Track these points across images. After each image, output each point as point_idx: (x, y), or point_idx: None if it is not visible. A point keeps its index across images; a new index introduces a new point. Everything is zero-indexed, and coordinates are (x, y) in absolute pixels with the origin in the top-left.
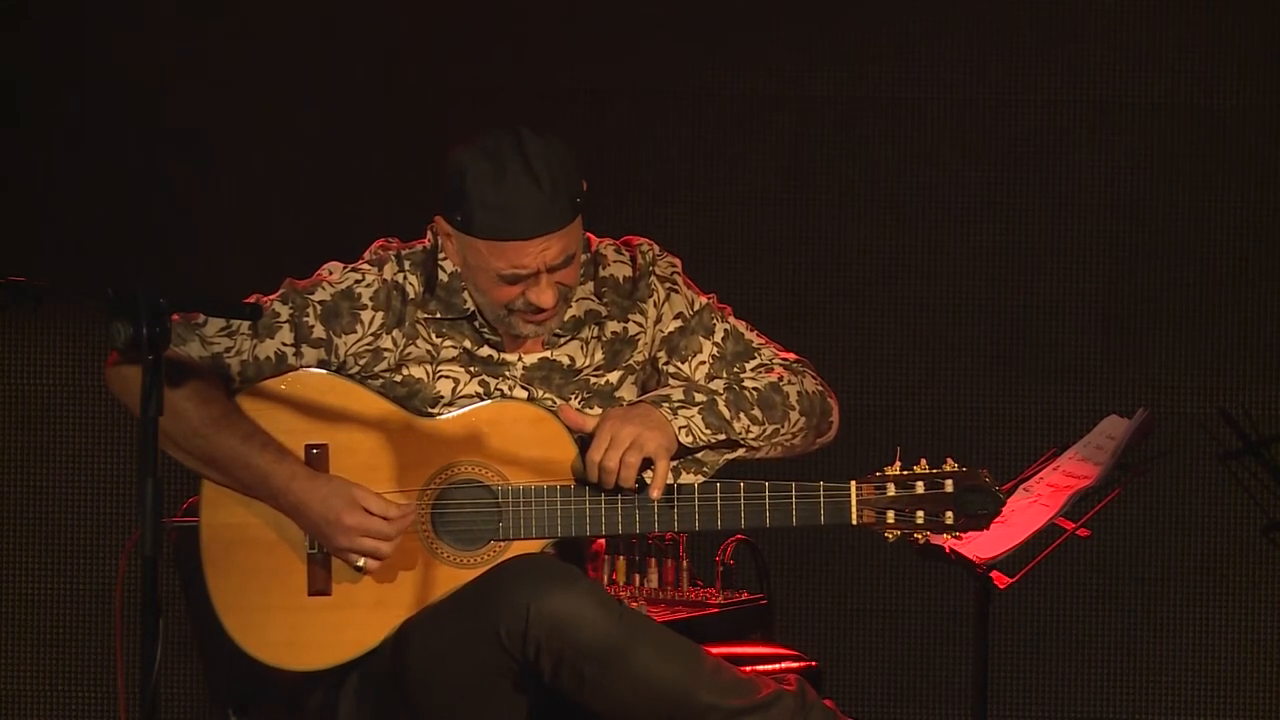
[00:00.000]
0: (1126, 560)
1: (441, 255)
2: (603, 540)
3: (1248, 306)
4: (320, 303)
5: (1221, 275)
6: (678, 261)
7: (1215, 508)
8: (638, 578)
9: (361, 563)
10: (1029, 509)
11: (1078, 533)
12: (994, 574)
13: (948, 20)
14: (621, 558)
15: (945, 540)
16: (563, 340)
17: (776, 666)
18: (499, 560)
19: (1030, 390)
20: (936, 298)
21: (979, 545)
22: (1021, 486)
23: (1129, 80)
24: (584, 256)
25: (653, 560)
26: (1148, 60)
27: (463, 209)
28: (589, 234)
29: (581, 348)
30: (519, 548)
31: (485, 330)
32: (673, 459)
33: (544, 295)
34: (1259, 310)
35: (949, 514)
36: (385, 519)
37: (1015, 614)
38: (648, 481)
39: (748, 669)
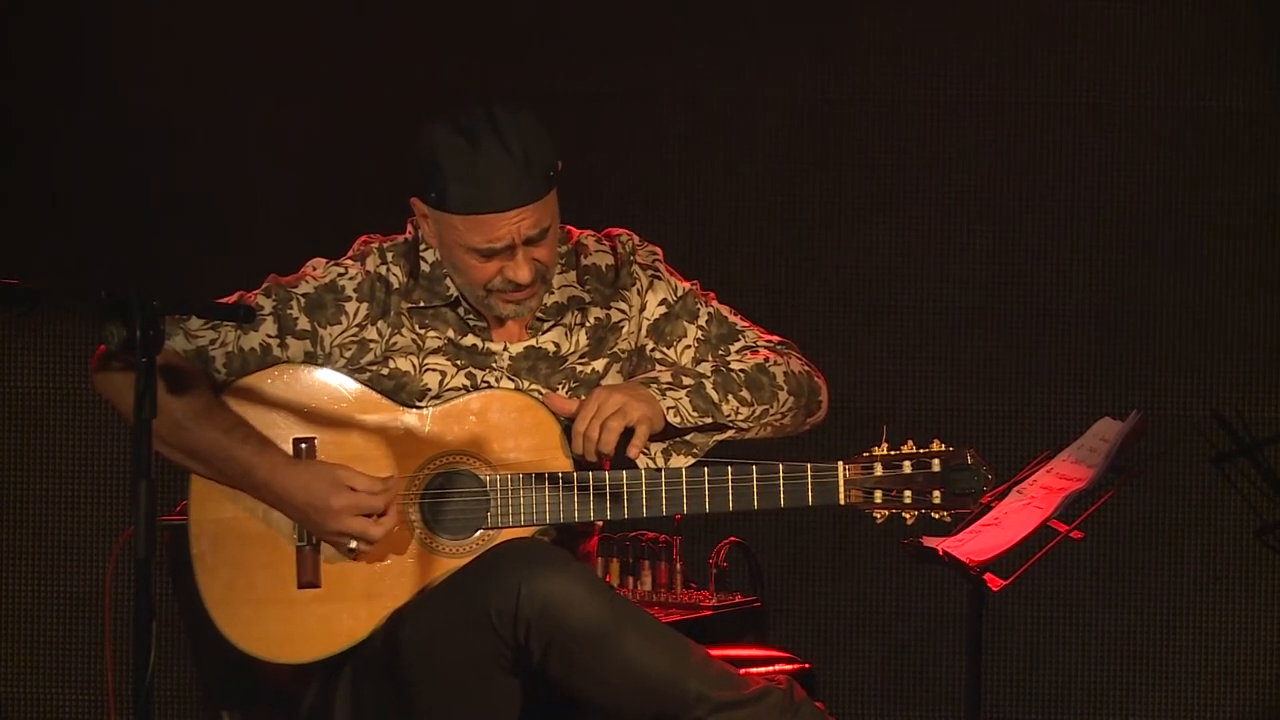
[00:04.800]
0: (1120, 563)
1: (423, 246)
2: (595, 542)
3: (1241, 309)
4: (304, 295)
5: (1215, 277)
6: (658, 250)
7: (1209, 510)
8: (631, 580)
9: (354, 545)
10: (1022, 511)
11: (1071, 535)
12: (987, 576)
13: (941, 23)
14: (615, 560)
15: (939, 542)
16: (546, 326)
17: (770, 669)
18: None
19: (1023, 392)
20: (929, 300)
21: (972, 548)
22: (1015, 489)
23: (1122, 82)
24: (565, 248)
25: (646, 563)
26: (1140, 63)
27: (436, 185)
28: (569, 226)
29: (565, 333)
30: (508, 536)
31: (470, 317)
32: (662, 439)
33: (520, 271)
34: (1252, 312)
35: (936, 493)
36: (372, 494)
37: (1008, 617)
38: (635, 462)
39: (740, 671)
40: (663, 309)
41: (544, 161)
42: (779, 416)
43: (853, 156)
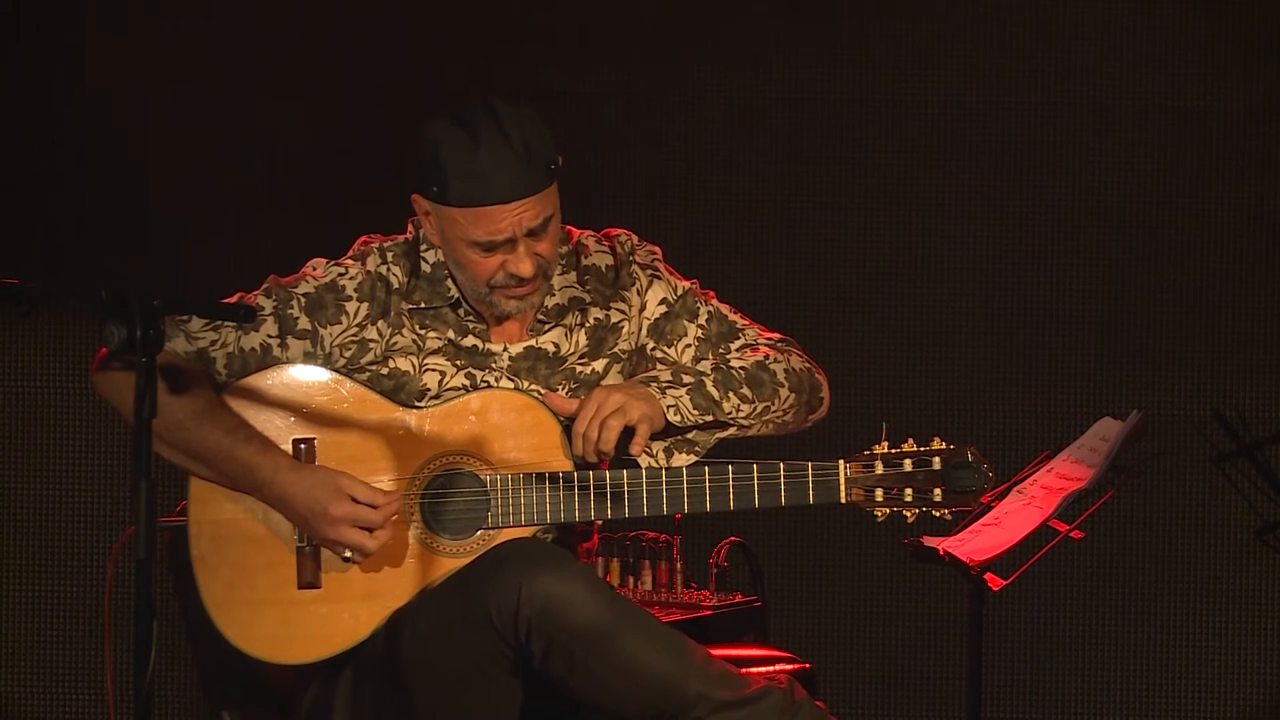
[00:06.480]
0: (1120, 562)
1: (424, 246)
2: (595, 541)
3: (1242, 308)
4: (304, 295)
5: (1215, 277)
6: (657, 249)
7: (1209, 510)
8: (631, 580)
9: (349, 554)
10: (1022, 511)
11: (1071, 535)
12: (987, 576)
13: (941, 22)
14: (615, 560)
15: (939, 542)
16: (546, 327)
17: (770, 669)
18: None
19: (1024, 392)
20: (930, 299)
21: (972, 547)
22: (1015, 488)
23: (1122, 82)
24: (565, 248)
25: (646, 563)
26: (1141, 62)
27: (439, 179)
28: (569, 227)
29: (565, 334)
30: (508, 536)
31: (470, 319)
32: (663, 438)
33: (523, 264)
34: (1253, 312)
35: (937, 491)
36: (372, 506)
37: (1009, 616)
38: (636, 461)
39: (740, 671)
40: (663, 308)
41: (544, 154)
42: (780, 413)
43: (853, 156)
